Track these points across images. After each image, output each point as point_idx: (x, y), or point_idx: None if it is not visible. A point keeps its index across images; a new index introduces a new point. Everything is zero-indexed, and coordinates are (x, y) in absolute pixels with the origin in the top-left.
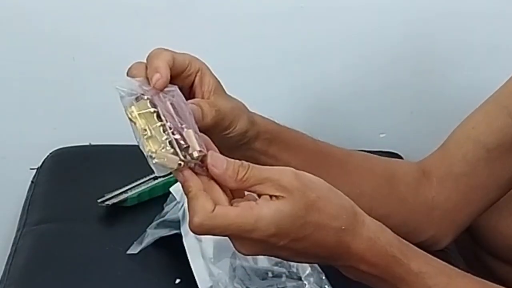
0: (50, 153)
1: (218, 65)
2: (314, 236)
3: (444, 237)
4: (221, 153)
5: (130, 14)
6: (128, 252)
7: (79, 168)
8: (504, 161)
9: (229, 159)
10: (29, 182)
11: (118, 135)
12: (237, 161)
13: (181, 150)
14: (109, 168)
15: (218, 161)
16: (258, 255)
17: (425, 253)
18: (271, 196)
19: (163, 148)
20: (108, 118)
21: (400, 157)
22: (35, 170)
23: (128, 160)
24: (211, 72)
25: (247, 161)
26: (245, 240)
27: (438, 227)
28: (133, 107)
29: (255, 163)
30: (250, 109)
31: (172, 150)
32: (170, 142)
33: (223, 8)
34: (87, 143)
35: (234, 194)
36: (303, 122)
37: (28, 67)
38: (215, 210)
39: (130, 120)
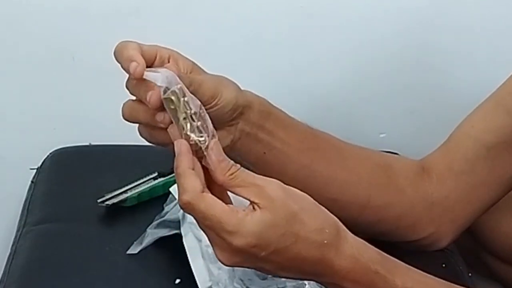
0: (50, 153)
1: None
2: (295, 248)
3: (444, 236)
4: (221, 133)
5: (130, 14)
6: (128, 252)
7: (79, 168)
8: (503, 160)
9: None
10: (29, 182)
11: (118, 135)
12: (232, 161)
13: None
14: (109, 168)
15: (218, 150)
16: (239, 266)
17: (409, 267)
18: (253, 205)
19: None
20: (108, 118)
21: None
22: (35, 170)
23: (128, 160)
24: (183, 56)
25: (246, 137)
26: (224, 246)
27: (438, 225)
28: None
29: (253, 140)
30: None
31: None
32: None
33: (223, 9)
34: (87, 143)
35: (217, 195)
36: (303, 122)
37: (28, 67)
38: (204, 193)
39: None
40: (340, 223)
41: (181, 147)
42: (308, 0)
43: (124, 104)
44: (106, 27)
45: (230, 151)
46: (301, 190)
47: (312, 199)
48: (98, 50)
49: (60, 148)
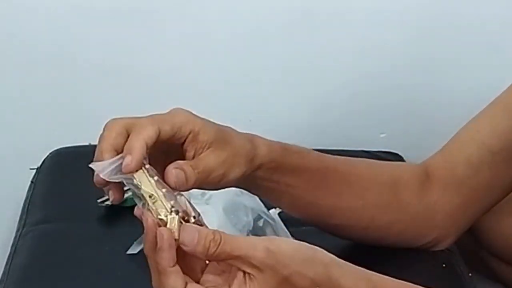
0: (50, 153)
1: (218, 67)
2: None
3: (446, 238)
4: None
5: (130, 14)
6: (128, 252)
7: (79, 168)
8: (508, 164)
9: (201, 230)
10: (29, 182)
11: None
12: (209, 232)
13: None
14: None
15: (189, 236)
16: None
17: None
18: (244, 273)
19: (170, 213)
20: (108, 118)
21: (400, 157)
22: (35, 170)
23: None
24: (207, 126)
25: (249, 187)
26: None
27: (440, 230)
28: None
29: (256, 188)
30: (251, 114)
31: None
32: (176, 211)
33: (224, 10)
34: (87, 143)
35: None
36: (303, 122)
37: (28, 67)
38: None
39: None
40: (332, 269)
41: (163, 240)
42: None
43: None
44: (106, 27)
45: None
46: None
47: (301, 253)
48: (98, 50)
49: (60, 148)
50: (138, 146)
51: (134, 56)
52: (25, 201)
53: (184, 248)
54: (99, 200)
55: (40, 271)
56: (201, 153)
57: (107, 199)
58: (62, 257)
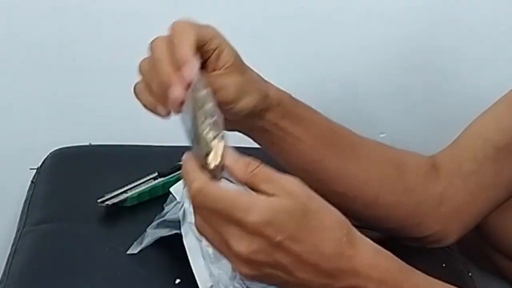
0: (50, 153)
1: None
2: (312, 240)
3: (449, 235)
4: (229, 122)
5: (130, 14)
6: (128, 252)
7: (79, 168)
8: (511, 161)
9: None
10: (29, 182)
11: (118, 135)
12: (248, 157)
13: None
14: (109, 168)
15: (230, 153)
16: (256, 260)
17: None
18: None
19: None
20: (108, 118)
21: None
22: (35, 170)
23: (128, 160)
24: (230, 47)
25: (257, 131)
26: (239, 233)
27: (444, 224)
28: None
29: (264, 135)
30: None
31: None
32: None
33: (223, 9)
34: (87, 143)
35: None
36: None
37: (28, 67)
38: (212, 181)
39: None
40: (357, 231)
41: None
42: None
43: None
44: (106, 27)
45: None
46: (308, 181)
47: (332, 208)
48: (98, 51)
49: (60, 148)
50: (189, 53)
51: (134, 56)
52: (25, 201)
53: (226, 162)
54: (99, 200)
55: (40, 271)
56: (221, 70)
57: (107, 199)
58: (62, 257)
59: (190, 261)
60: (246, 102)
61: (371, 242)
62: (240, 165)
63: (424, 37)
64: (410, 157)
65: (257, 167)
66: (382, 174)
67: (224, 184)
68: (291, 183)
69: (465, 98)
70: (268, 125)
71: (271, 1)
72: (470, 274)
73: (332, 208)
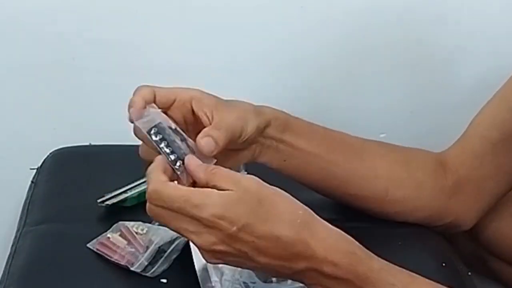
0: (50, 153)
1: (217, 64)
2: (266, 226)
3: (463, 223)
4: (242, 153)
5: (130, 14)
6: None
7: (79, 168)
8: (508, 154)
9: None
10: (29, 182)
11: (118, 135)
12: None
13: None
14: (109, 168)
15: (193, 159)
16: (218, 250)
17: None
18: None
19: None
20: (108, 118)
21: None
22: (35, 170)
23: (128, 160)
24: (205, 94)
25: (266, 149)
26: (197, 229)
27: (455, 215)
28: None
29: (274, 151)
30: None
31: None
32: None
33: (223, 8)
34: (87, 143)
35: None
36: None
37: (28, 67)
38: (168, 182)
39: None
40: (313, 213)
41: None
42: None
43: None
44: (106, 27)
45: (252, 162)
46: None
47: (287, 194)
48: (98, 51)
49: (60, 148)
50: (136, 99)
51: (134, 56)
52: (25, 201)
53: (189, 167)
54: (99, 200)
55: (40, 271)
56: (214, 115)
57: (107, 199)
58: (62, 257)
59: (194, 262)
60: (251, 127)
61: (329, 225)
62: (202, 166)
63: (425, 37)
64: (418, 154)
65: (217, 167)
66: (389, 171)
67: (177, 185)
68: (247, 178)
69: (465, 98)
70: (275, 142)
71: (271, 1)
72: (469, 274)
73: (286, 194)
